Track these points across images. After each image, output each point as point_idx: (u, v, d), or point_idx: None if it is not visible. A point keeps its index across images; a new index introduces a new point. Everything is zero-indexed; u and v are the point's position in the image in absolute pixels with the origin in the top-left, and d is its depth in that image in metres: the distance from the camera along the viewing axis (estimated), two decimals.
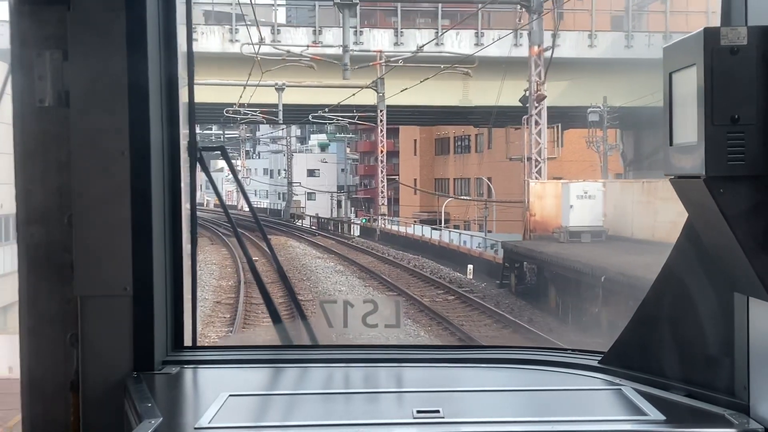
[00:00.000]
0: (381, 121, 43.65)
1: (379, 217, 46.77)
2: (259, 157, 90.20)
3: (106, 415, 2.84)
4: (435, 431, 2.45)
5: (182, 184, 3.13)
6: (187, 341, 3.17)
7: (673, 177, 2.40)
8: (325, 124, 46.66)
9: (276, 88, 37.58)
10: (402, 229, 44.79)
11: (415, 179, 60.79)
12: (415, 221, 50.90)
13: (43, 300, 2.92)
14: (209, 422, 2.47)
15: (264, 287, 3.57)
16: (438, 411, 2.53)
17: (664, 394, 2.64)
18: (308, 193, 66.71)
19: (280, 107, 39.17)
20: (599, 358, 3.01)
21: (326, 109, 40.95)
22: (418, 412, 2.52)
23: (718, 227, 2.28)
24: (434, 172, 62.72)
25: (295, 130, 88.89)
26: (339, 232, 51.14)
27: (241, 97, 37.04)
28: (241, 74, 34.78)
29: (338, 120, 45.07)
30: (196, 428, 2.43)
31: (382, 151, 45.70)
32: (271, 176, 78.26)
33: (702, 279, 2.60)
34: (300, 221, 59.39)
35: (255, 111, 41.77)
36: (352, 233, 48.48)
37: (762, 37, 2.18)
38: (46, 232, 2.89)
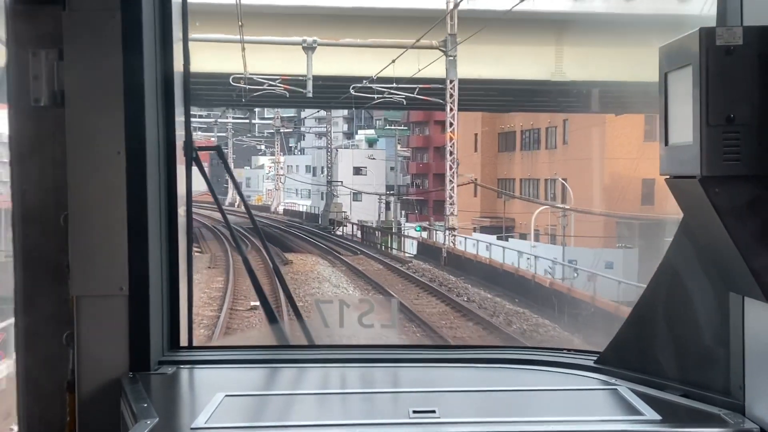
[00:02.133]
0: (451, 96, 33.82)
1: (446, 232, 36.12)
2: (302, 153, 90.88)
3: (102, 415, 3.07)
4: (431, 431, 2.66)
5: (178, 184, 3.35)
6: (183, 341, 3.41)
7: (668, 177, 2.58)
8: (373, 100, 35.48)
9: (304, 47, 30.54)
10: (481, 251, 33.17)
11: (475, 179, 59.45)
12: (474, 228, 45.78)
13: (39, 300, 3.16)
14: (205, 422, 2.68)
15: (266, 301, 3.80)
16: (434, 411, 2.74)
17: (660, 393, 2.86)
18: (354, 193, 60.70)
19: (310, 76, 31.31)
20: (595, 358, 3.23)
21: (374, 77, 32.31)
22: (414, 412, 2.74)
23: (713, 227, 2.46)
24: (497, 171, 61.27)
25: (342, 125, 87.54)
26: (388, 247, 42.88)
27: (244, 51, 28.70)
28: (257, 33, 28.89)
29: (390, 93, 34.82)
30: (192, 428, 2.64)
31: (452, 138, 35.92)
32: (314, 174, 73.95)
33: (697, 279, 2.80)
34: (340, 228, 52.48)
35: (274, 79, 33.17)
36: (404, 249, 41.08)
37: (757, 37, 2.36)
38: (41, 231, 3.14)
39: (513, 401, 3.03)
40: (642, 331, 3.07)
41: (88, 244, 3.07)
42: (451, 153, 36.75)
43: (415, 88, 34.73)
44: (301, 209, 67.41)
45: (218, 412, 2.78)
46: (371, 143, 76.15)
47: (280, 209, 67.79)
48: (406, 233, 47.93)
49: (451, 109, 34.98)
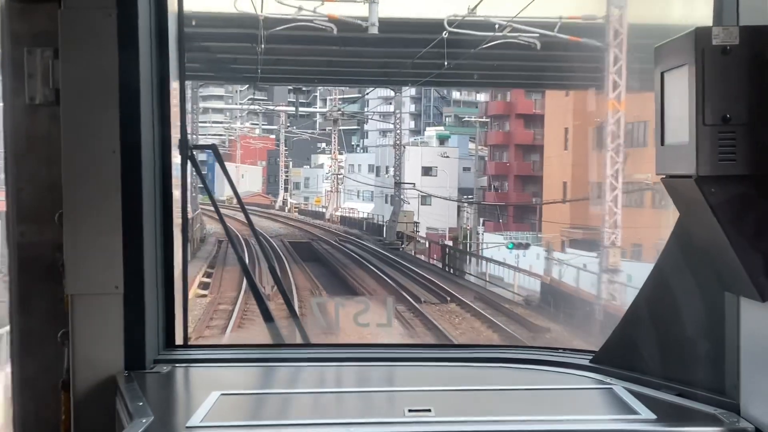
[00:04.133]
0: (617, 35, 23.59)
1: (605, 276, 23.52)
2: (365, 151, 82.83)
3: (98, 414, 3.29)
4: (427, 430, 2.88)
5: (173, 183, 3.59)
6: (179, 340, 3.66)
7: (664, 176, 2.78)
8: (477, 46, 25.69)
9: None
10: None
11: (565, 182, 57.64)
12: (563, 242, 40.18)
13: (34, 299, 3.40)
14: (200, 421, 2.89)
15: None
16: (429, 410, 2.97)
17: (655, 393, 3.08)
18: (422, 196, 55.14)
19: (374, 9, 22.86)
20: (590, 358, 3.46)
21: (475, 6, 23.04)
22: (410, 410, 2.96)
23: (709, 227, 2.65)
24: (589, 172, 58.68)
25: (408, 122, 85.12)
26: (486, 284, 31.82)
27: None
28: None
29: (515, 28, 24.78)
30: (187, 427, 2.85)
31: (617, 109, 24.15)
32: (377, 174, 71.62)
33: (693, 279, 3.02)
34: (410, 245, 44.80)
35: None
36: (512, 284, 31.30)
37: (754, 37, 2.55)
38: (36, 230, 3.37)
39: (508, 400, 3.26)
40: (637, 330, 3.29)
41: (83, 242, 3.31)
42: (614, 132, 24.61)
43: (558, 21, 24.28)
44: (361, 215, 60.88)
45: (213, 410, 2.99)
46: (443, 140, 73.92)
47: (337, 215, 62.08)
48: (484, 245, 42.09)
49: (617, 59, 23.96)
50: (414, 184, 54.00)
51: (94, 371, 3.37)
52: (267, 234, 41.54)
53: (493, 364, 3.62)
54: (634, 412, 2.97)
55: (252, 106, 71.50)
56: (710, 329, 2.99)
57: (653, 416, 2.91)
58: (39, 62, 3.36)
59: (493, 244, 40.73)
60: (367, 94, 70.09)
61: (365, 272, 30.87)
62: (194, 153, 3.80)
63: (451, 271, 36.59)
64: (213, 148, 3.95)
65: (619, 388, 3.21)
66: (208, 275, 28.57)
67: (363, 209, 64.07)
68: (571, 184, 53.08)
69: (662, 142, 2.80)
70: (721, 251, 2.71)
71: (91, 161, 3.34)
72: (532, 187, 58.71)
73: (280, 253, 33.62)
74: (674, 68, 2.72)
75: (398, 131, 54.97)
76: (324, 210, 64.53)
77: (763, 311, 2.70)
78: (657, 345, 3.23)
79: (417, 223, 49.21)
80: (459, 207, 52.83)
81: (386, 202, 59.40)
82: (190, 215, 33.45)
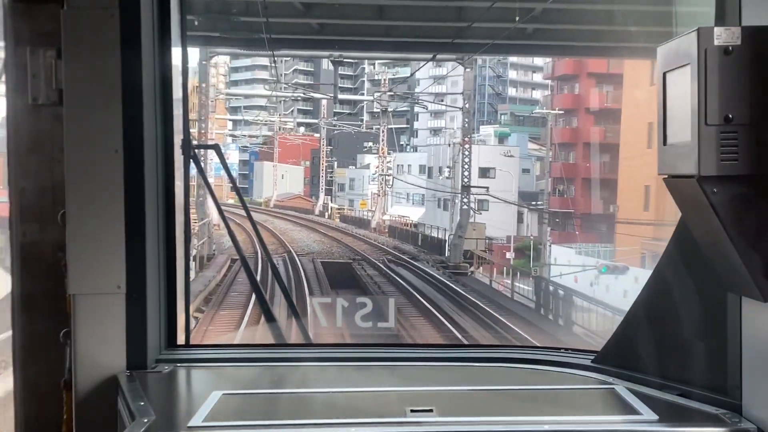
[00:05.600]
0: None
1: None
2: (415, 151, 79.47)
3: (99, 413, 3.48)
4: (428, 429, 3.05)
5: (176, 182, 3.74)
6: (181, 340, 3.84)
7: (666, 176, 2.92)
8: None
9: None
10: None
11: (647, 186, 56.13)
12: (642, 255, 37.48)
13: (36, 298, 3.58)
14: (202, 421, 3.05)
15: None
16: (431, 410, 3.14)
17: (657, 393, 3.24)
18: (478, 200, 47.74)
19: None
20: (592, 357, 3.61)
21: None
22: (412, 410, 3.13)
23: (711, 227, 2.79)
24: None
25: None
26: None
27: None
28: None
29: None
30: (189, 427, 3.01)
31: None
32: (429, 175, 68.55)
33: (695, 279, 3.17)
34: (483, 267, 38.27)
35: None
36: None
37: (756, 37, 2.69)
38: (39, 230, 3.57)
39: (510, 400, 3.42)
40: (639, 330, 3.43)
41: (85, 242, 3.51)
42: None
43: None
44: (413, 221, 55.62)
45: (215, 410, 3.17)
46: (502, 138, 68.56)
47: (385, 219, 57.14)
48: (551, 257, 37.52)
49: None
50: (488, 188, 46.99)
51: (96, 371, 3.56)
52: (295, 251, 35.78)
53: (495, 364, 3.80)
54: (636, 412, 3.13)
55: (286, 93, 70.30)
56: (712, 329, 3.14)
57: (655, 416, 3.08)
58: (42, 62, 3.55)
59: (578, 267, 33.59)
60: (418, 70, 66.78)
61: (427, 320, 23.55)
62: (197, 152, 3.99)
63: (550, 316, 28.45)
64: (215, 147, 4.32)
65: (621, 388, 3.38)
66: (194, 320, 22.51)
67: (414, 215, 59.25)
68: (656, 188, 49.60)
69: (664, 142, 2.96)
70: (723, 251, 2.84)
71: (93, 161, 3.53)
72: (602, 191, 57.07)
73: (305, 284, 27.62)
74: (676, 68, 2.87)
75: (467, 118, 45.01)
76: (370, 215, 59.72)
77: (764, 311, 2.84)
78: (659, 345, 3.38)
79: (490, 239, 40.73)
80: (519, 212, 47.74)
81: (439, 206, 55.34)
82: (197, 226, 31.92)
